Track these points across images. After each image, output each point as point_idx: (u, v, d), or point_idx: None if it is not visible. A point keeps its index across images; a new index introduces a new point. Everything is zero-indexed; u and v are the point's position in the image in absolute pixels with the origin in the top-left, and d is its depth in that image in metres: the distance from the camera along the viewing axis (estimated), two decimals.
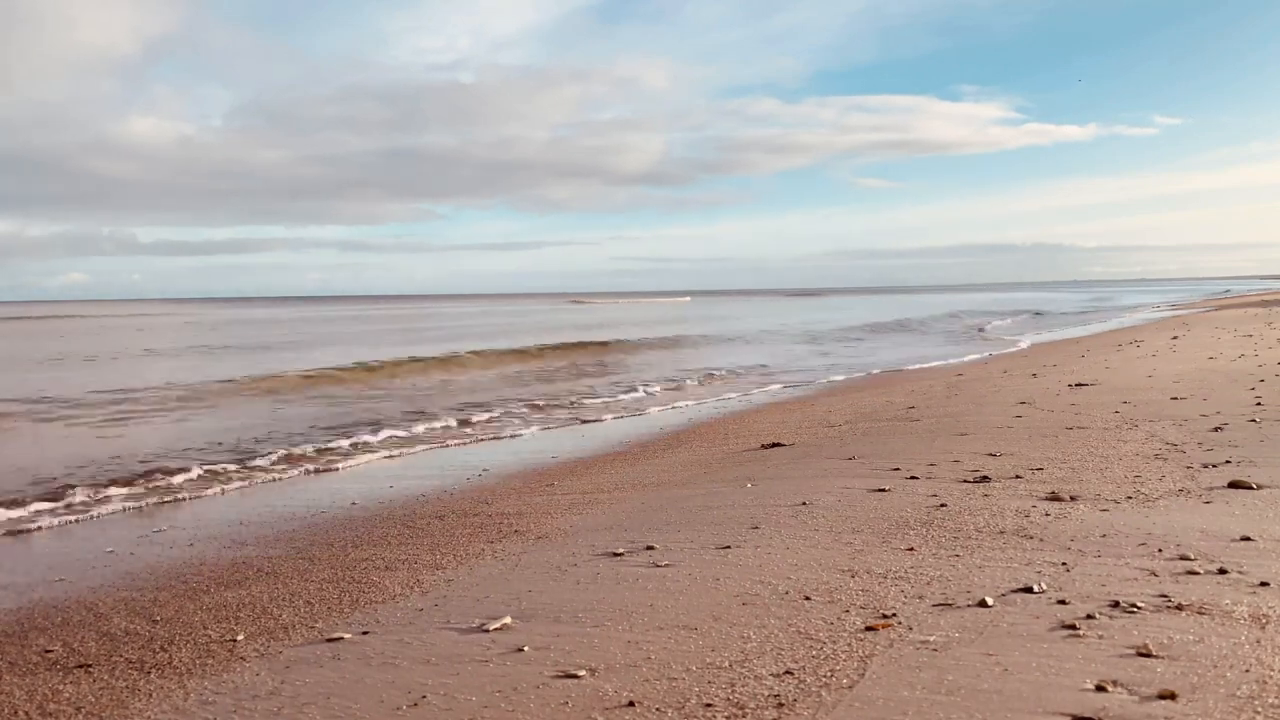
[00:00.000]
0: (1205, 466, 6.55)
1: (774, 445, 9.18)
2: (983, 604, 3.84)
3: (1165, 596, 3.81)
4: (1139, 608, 3.69)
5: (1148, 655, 3.21)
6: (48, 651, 4.15)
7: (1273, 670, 3.06)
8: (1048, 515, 5.35)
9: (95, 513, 7.45)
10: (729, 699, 3.08)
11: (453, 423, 12.32)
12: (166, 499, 7.98)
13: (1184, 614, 3.61)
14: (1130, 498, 5.74)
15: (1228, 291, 79.88)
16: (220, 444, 10.69)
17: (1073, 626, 3.52)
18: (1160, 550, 4.51)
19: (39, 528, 7.04)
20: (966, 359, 20.71)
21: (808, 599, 4.05)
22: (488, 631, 3.90)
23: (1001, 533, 5.02)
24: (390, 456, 10.11)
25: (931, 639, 3.50)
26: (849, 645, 3.48)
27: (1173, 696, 2.88)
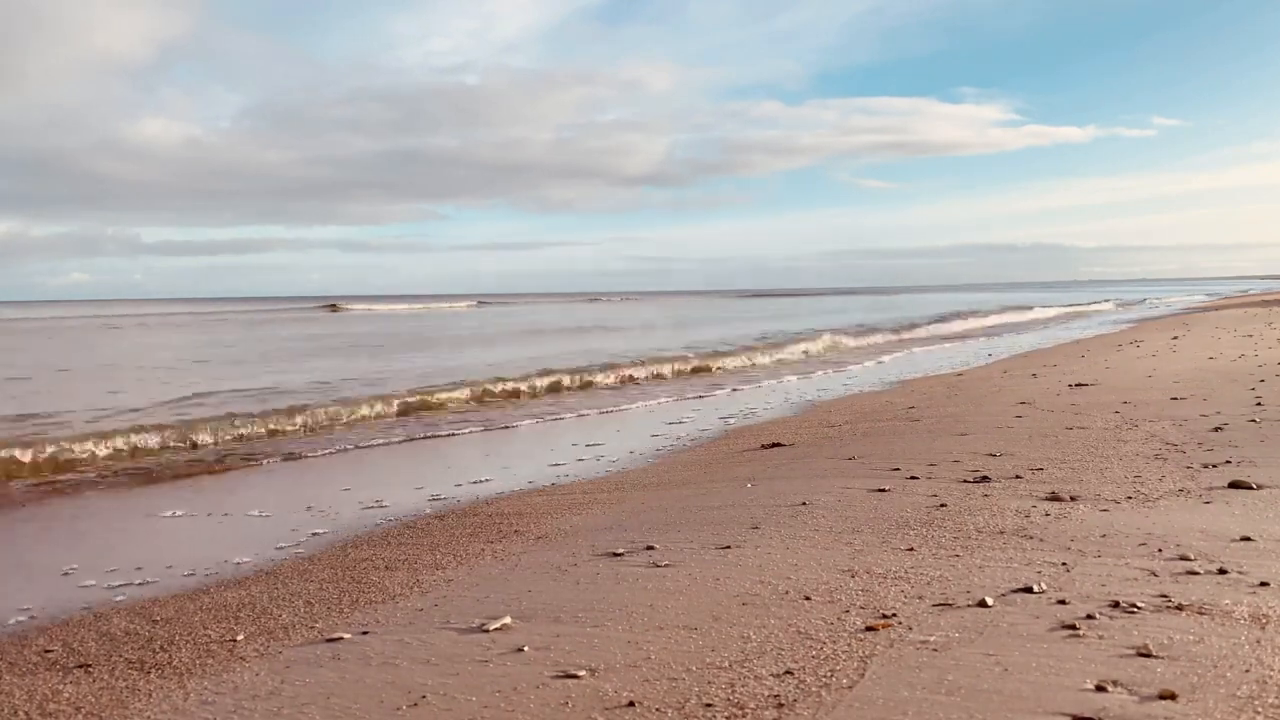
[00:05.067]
0: (1205, 466, 6.55)
1: (774, 445, 9.18)
2: (983, 604, 3.84)
3: (1165, 596, 3.81)
4: (1139, 608, 3.69)
5: (1148, 655, 3.21)
6: (48, 651, 4.15)
7: (1273, 670, 3.06)
8: (1048, 515, 5.35)
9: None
10: (729, 699, 3.08)
11: None
12: None
13: (1184, 614, 3.61)
14: (1130, 498, 5.74)
15: (1246, 291, 79.19)
16: None
17: (1073, 626, 3.52)
18: (1160, 550, 4.51)
19: None
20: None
21: (808, 599, 4.05)
22: (488, 631, 3.90)
23: (1001, 533, 5.02)
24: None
25: (931, 639, 3.50)
26: (849, 645, 3.48)
27: (1173, 696, 2.88)
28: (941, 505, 5.77)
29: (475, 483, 8.10)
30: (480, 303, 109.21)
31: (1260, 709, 2.79)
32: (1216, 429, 8.06)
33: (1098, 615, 3.63)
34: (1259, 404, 9.38)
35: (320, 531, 6.50)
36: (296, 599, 4.75)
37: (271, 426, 11.55)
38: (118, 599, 5.03)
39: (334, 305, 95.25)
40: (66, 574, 5.61)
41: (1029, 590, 3.98)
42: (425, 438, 11.24)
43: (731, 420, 11.75)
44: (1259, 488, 5.78)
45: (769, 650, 3.48)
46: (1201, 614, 3.60)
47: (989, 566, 4.39)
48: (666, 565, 4.75)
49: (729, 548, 5.01)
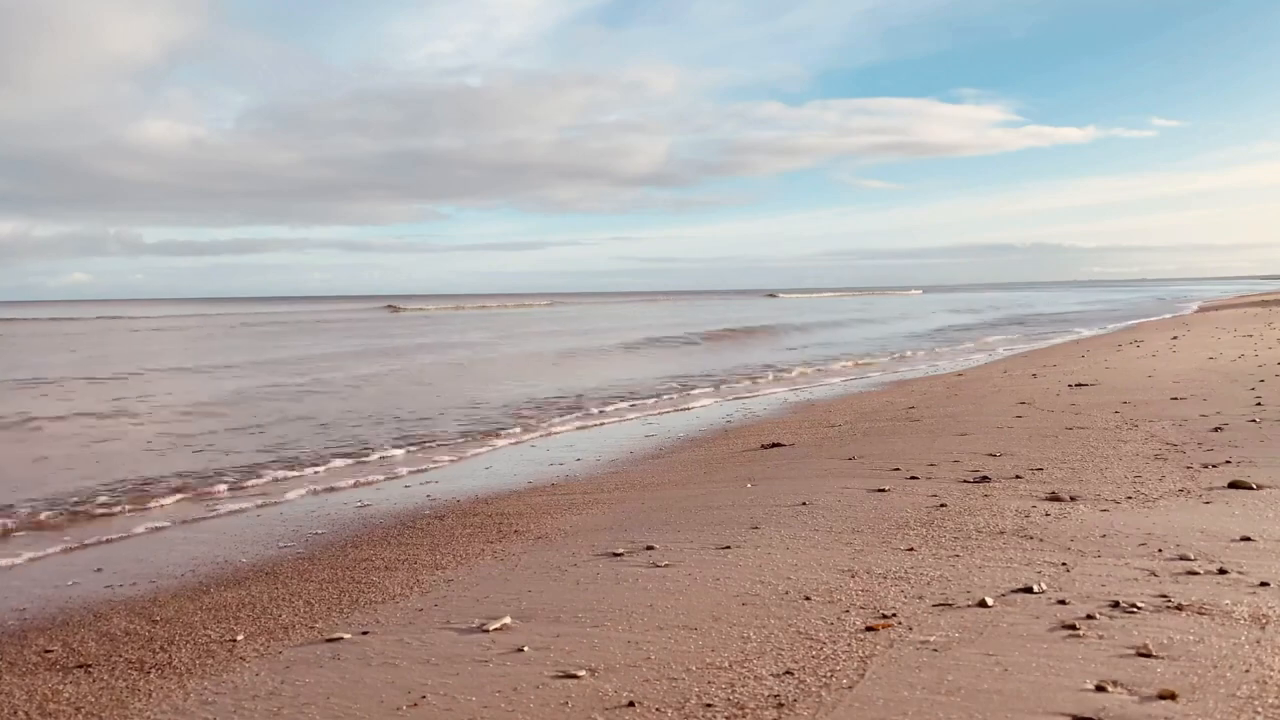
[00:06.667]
0: (1205, 466, 6.54)
1: (774, 445, 9.18)
2: (983, 604, 3.84)
3: (1165, 596, 3.81)
4: (1139, 608, 3.69)
5: (1148, 655, 3.21)
6: (48, 651, 4.16)
7: (1273, 670, 3.06)
8: (1048, 515, 5.35)
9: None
10: (729, 699, 3.08)
11: None
12: None
13: (1184, 614, 3.60)
14: (1130, 498, 5.73)
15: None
16: None
17: (1073, 627, 3.52)
18: (1160, 550, 4.51)
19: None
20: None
21: (808, 599, 4.05)
22: (487, 631, 3.90)
23: (1001, 533, 5.02)
24: None
25: (931, 639, 3.50)
26: (849, 645, 3.48)
27: (1173, 696, 2.88)
28: (941, 505, 5.77)
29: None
30: (552, 302, 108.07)
31: (1260, 709, 2.79)
32: (1216, 429, 8.06)
33: (1098, 615, 3.62)
34: (1259, 404, 9.38)
35: (320, 531, 6.50)
36: (296, 599, 4.75)
37: None
38: (115, 598, 5.04)
39: (393, 306, 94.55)
40: None
41: (1029, 590, 3.98)
42: None
43: (731, 420, 11.75)
44: (1259, 488, 5.78)
45: (769, 650, 3.48)
46: (1201, 614, 3.60)
47: (989, 566, 4.39)
48: (666, 565, 4.75)
49: (729, 548, 5.01)
